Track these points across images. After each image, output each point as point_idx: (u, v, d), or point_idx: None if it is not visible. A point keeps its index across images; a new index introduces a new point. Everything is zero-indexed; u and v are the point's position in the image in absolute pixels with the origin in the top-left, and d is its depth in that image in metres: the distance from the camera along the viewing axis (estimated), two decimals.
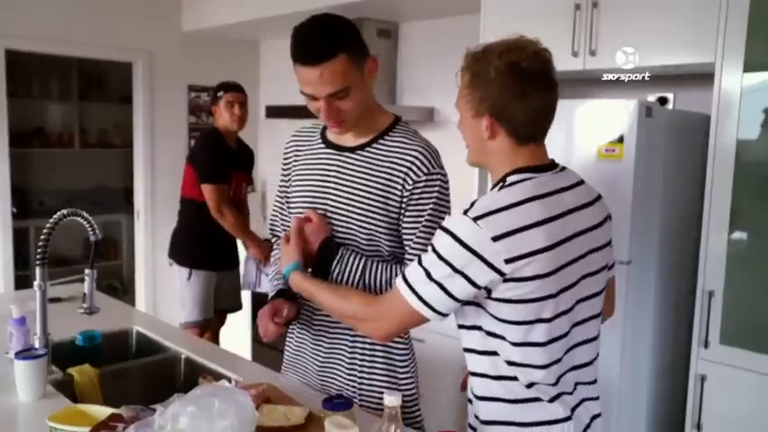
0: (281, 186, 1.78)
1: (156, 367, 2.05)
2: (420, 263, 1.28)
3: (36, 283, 1.78)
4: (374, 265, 1.55)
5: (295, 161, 1.72)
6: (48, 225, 1.79)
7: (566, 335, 1.30)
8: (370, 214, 1.54)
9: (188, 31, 4.63)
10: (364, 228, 1.56)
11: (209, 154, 3.30)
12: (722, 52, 2.24)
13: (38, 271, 1.77)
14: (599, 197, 1.46)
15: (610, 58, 2.54)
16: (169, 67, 4.62)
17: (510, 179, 1.30)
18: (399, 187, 1.51)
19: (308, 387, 1.79)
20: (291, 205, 1.70)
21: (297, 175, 1.70)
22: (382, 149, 1.55)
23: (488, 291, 1.24)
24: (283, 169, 1.76)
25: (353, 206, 1.56)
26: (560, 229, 1.27)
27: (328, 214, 1.60)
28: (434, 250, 1.26)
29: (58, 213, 1.80)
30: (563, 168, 1.39)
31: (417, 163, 1.50)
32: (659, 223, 2.51)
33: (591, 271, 1.37)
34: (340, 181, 1.59)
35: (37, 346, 1.77)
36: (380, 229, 1.55)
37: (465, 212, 1.24)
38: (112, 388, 1.87)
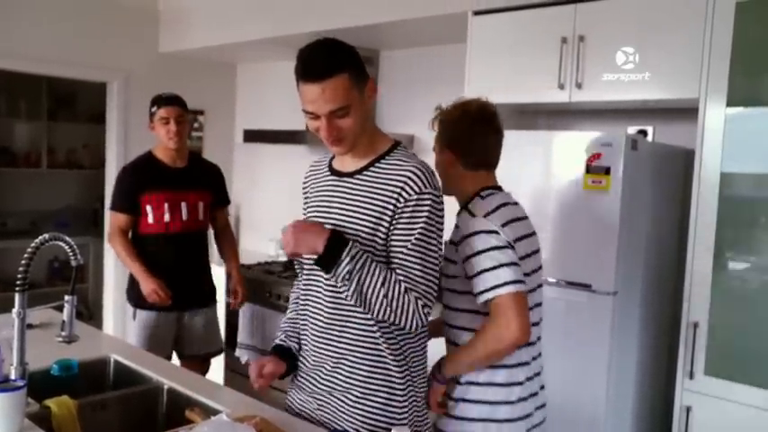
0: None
1: (138, 398, 1.97)
2: (483, 270, 1.60)
3: (15, 310, 1.69)
4: (386, 269, 1.54)
5: (309, 192, 1.77)
6: (29, 249, 1.71)
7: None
8: (365, 236, 1.55)
9: (165, 52, 4.58)
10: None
11: (116, 180, 3.06)
12: (706, 87, 2.30)
13: (17, 298, 1.69)
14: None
15: (597, 90, 2.58)
16: (145, 88, 4.51)
17: (483, 193, 1.75)
18: (392, 207, 1.53)
19: (298, 419, 1.74)
20: None
21: (308, 205, 1.75)
22: (379, 173, 1.57)
23: None
24: (303, 201, 1.81)
25: (349, 228, 1.57)
26: (523, 228, 1.74)
27: None
28: (479, 251, 1.62)
29: (40, 237, 1.72)
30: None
31: (410, 183, 1.51)
32: (644, 254, 2.54)
33: (534, 268, 1.78)
34: (341, 206, 1.61)
35: (13, 376, 1.68)
36: (375, 251, 1.55)
37: (473, 216, 1.68)
38: (92, 421, 1.79)
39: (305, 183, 1.81)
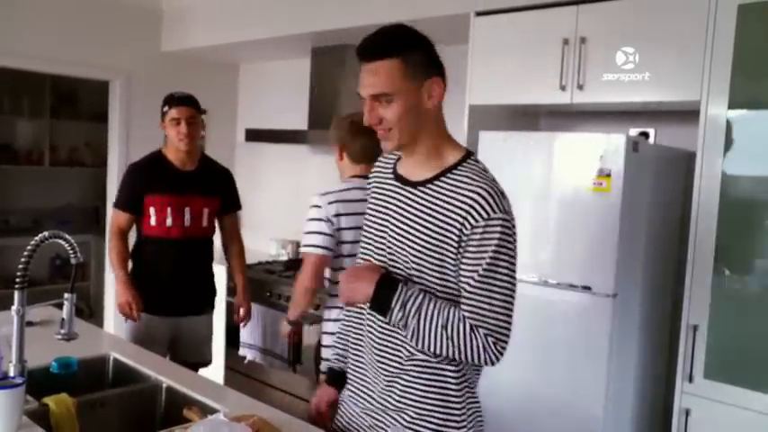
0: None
1: (136, 397, 1.97)
2: (304, 232, 1.97)
3: (14, 307, 1.70)
4: (448, 308, 1.43)
5: (373, 190, 1.65)
6: (29, 247, 1.71)
7: None
8: (423, 254, 1.45)
9: (167, 51, 4.58)
10: (414, 267, 1.47)
11: (123, 177, 2.97)
12: (707, 90, 2.29)
13: (16, 295, 1.70)
14: None
15: (598, 92, 2.58)
16: (147, 87, 4.55)
17: (344, 179, 2.40)
18: (457, 231, 1.40)
19: (295, 418, 1.74)
20: (362, 235, 1.65)
21: (370, 206, 1.64)
22: (444, 187, 1.45)
23: None
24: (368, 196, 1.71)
25: (407, 243, 1.48)
26: (349, 208, 2.31)
27: (385, 250, 1.54)
28: (307, 218, 2.31)
29: (40, 235, 1.73)
30: None
31: (477, 206, 1.38)
32: (645, 257, 2.54)
33: (354, 239, 2.19)
34: (399, 216, 1.51)
35: (12, 374, 1.69)
36: (431, 271, 1.45)
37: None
38: (90, 419, 1.79)
39: (370, 178, 1.69)
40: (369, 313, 1.57)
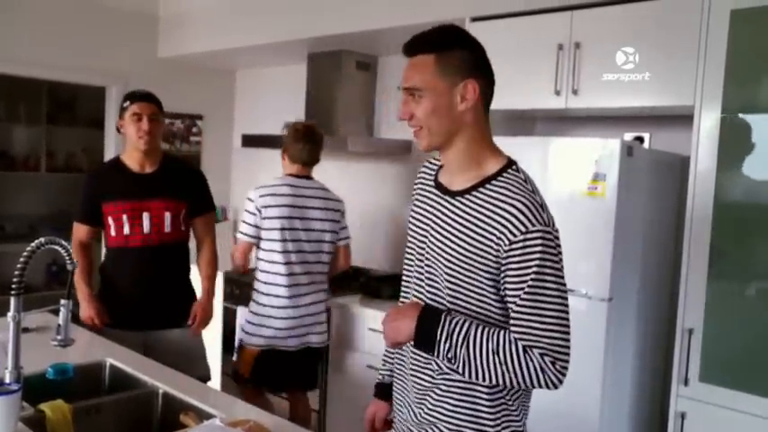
0: None
1: (133, 403, 1.97)
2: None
3: (10, 314, 1.70)
4: (498, 332, 1.36)
5: (415, 196, 1.61)
6: (25, 253, 1.72)
7: None
8: (459, 267, 1.40)
9: (164, 57, 4.59)
10: (449, 281, 1.42)
11: (81, 187, 2.80)
12: (701, 95, 2.31)
13: (12, 301, 1.70)
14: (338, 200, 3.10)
15: (592, 97, 2.59)
16: None
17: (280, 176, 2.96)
18: (495, 246, 1.35)
19: (291, 423, 1.74)
20: (406, 242, 1.61)
21: (411, 211, 1.59)
22: (482, 198, 1.39)
23: None
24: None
25: (443, 256, 1.43)
26: (273, 200, 2.92)
27: (424, 260, 1.49)
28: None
29: (36, 241, 1.73)
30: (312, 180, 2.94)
31: (514, 220, 1.33)
32: (640, 261, 2.55)
33: (274, 227, 2.95)
34: (437, 226, 1.46)
35: (8, 380, 1.69)
36: (467, 286, 1.40)
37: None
38: (86, 425, 1.79)
39: (415, 182, 1.64)
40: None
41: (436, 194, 1.51)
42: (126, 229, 2.65)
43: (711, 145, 2.29)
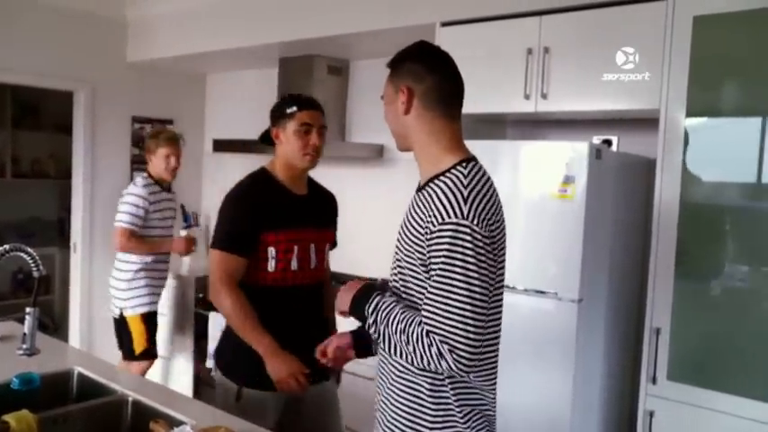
0: None
1: (101, 411, 1.93)
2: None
3: None
4: (412, 314, 1.45)
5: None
6: None
7: None
8: (406, 257, 1.50)
9: (133, 61, 4.54)
10: (400, 272, 1.53)
11: (226, 206, 2.26)
12: (666, 98, 2.35)
13: None
14: None
15: (561, 101, 2.63)
16: (112, 98, 4.50)
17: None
18: (424, 235, 1.44)
19: (264, 429, 1.73)
20: None
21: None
22: (427, 192, 1.48)
23: None
24: None
25: (400, 244, 1.54)
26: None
27: (396, 254, 1.58)
28: None
29: (0, 249, 1.70)
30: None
31: (436, 212, 1.41)
32: (609, 262, 2.58)
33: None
34: (404, 218, 1.56)
35: None
36: (412, 276, 1.49)
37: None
38: None
39: None
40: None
41: (415, 191, 1.61)
42: (294, 264, 2.17)
43: (677, 148, 2.34)
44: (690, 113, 2.32)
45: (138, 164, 4.65)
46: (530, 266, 2.49)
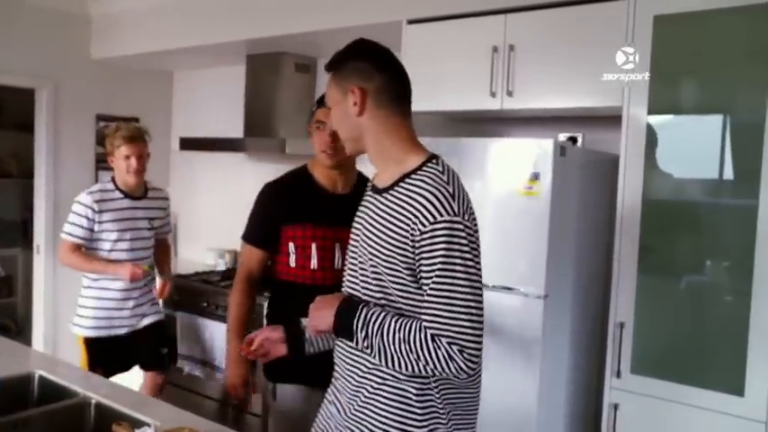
0: None
1: (63, 415, 1.90)
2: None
3: None
4: (410, 322, 1.39)
5: (362, 200, 1.66)
6: None
7: None
8: (382, 261, 1.44)
9: (97, 58, 4.46)
10: (376, 275, 1.46)
11: (257, 201, 2.33)
12: (628, 96, 2.39)
13: None
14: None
15: (527, 98, 2.65)
16: (76, 96, 4.42)
17: None
18: (410, 236, 1.39)
19: (229, 429, 1.72)
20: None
21: (355, 215, 1.63)
22: (402, 192, 1.44)
23: None
24: None
25: (369, 251, 1.47)
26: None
27: (357, 259, 1.53)
28: None
29: None
30: None
31: (424, 211, 1.37)
32: (575, 258, 2.62)
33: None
34: (367, 223, 1.51)
35: None
36: (391, 280, 1.43)
37: None
38: None
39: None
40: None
41: (370, 194, 1.57)
42: (314, 263, 2.15)
43: (639, 145, 2.38)
44: (651, 111, 2.35)
45: (104, 162, 4.58)
46: (496, 263, 2.50)
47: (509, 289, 2.47)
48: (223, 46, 3.84)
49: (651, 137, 2.37)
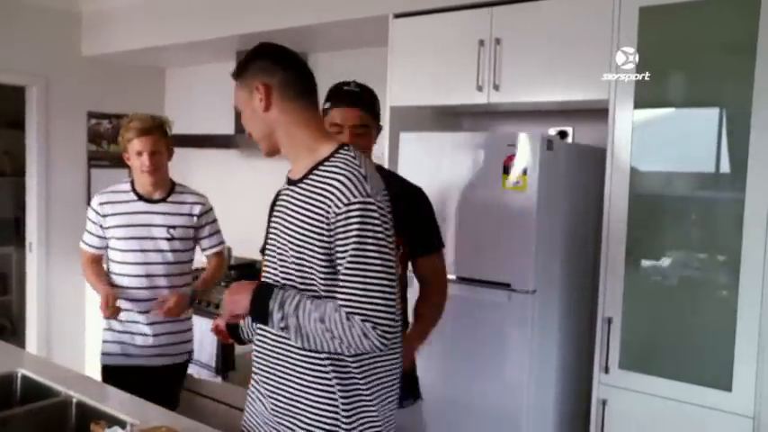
0: None
1: (45, 414, 1.89)
2: None
3: None
4: (325, 302, 1.44)
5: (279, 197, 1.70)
6: None
7: None
8: (303, 248, 1.46)
9: (89, 55, 4.44)
10: (297, 263, 1.48)
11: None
12: (615, 89, 2.37)
13: None
14: None
15: (513, 92, 2.63)
16: (67, 93, 4.40)
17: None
18: (325, 220, 1.43)
19: (206, 426, 1.71)
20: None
21: (274, 211, 1.66)
22: (316, 179, 1.48)
23: None
24: None
25: (289, 240, 1.50)
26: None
27: (275, 250, 1.56)
28: None
29: None
30: None
31: (337, 193, 1.41)
32: (563, 252, 2.60)
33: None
34: (284, 215, 1.54)
35: None
36: (314, 267, 1.46)
37: None
38: None
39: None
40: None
41: (285, 187, 1.61)
42: None
43: (625, 138, 2.36)
44: (638, 105, 2.33)
45: (96, 160, 4.58)
46: (484, 258, 2.49)
47: (497, 284, 2.45)
48: (214, 42, 3.82)
49: (638, 130, 2.35)
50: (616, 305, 2.38)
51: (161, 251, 2.55)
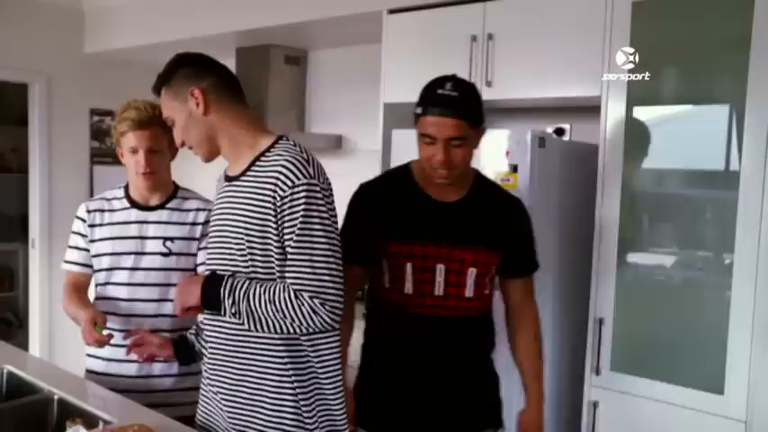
0: None
1: (26, 410, 1.89)
2: None
3: None
4: (274, 284, 1.48)
5: (215, 201, 1.72)
6: None
7: None
8: (251, 239, 1.49)
9: (91, 52, 4.46)
10: (248, 255, 1.51)
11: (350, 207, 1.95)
12: (607, 86, 2.33)
13: None
14: None
15: (506, 88, 2.60)
16: (69, 90, 4.43)
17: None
18: (271, 206, 1.46)
19: (185, 426, 1.70)
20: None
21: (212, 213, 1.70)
22: (258, 171, 1.52)
23: None
24: None
25: (235, 234, 1.52)
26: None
27: (224, 246, 1.57)
28: None
29: None
30: None
31: (283, 177, 1.45)
32: (556, 251, 2.56)
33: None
34: (227, 208, 1.57)
35: None
36: (262, 255, 1.49)
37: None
38: None
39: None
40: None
41: (225, 185, 1.62)
42: (408, 287, 1.75)
43: (618, 136, 2.32)
44: (631, 101, 2.29)
45: (98, 157, 4.60)
46: None
47: None
48: (212, 39, 3.82)
49: (630, 128, 2.31)
50: (607, 305, 2.35)
51: (156, 269, 2.03)
